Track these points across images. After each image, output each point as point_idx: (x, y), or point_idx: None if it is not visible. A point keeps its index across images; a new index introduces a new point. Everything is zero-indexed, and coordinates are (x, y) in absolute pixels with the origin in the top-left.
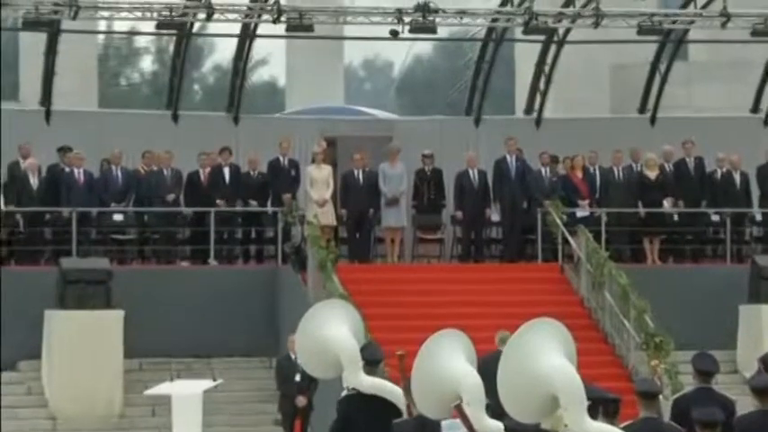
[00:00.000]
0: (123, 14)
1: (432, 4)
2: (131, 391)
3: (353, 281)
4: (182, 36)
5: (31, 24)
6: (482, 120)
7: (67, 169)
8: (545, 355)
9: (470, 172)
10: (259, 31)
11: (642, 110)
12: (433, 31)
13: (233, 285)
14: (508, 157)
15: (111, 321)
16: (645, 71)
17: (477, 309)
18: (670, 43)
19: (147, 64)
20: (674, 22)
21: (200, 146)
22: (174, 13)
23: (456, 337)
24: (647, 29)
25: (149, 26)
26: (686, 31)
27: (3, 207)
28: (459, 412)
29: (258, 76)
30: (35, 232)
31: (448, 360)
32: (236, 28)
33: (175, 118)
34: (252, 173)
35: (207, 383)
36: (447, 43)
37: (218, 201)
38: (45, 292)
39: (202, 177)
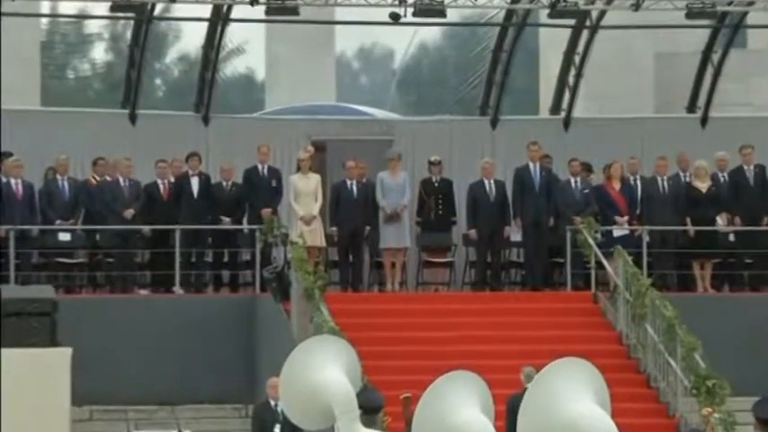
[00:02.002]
0: None
1: None
2: None
3: (346, 312)
4: (141, 20)
5: None
6: (500, 120)
7: (4, 179)
8: (572, 401)
9: (486, 183)
10: (233, 15)
11: (691, 108)
12: (442, 14)
13: (202, 318)
14: (531, 164)
15: (56, 361)
16: (695, 62)
17: (493, 346)
18: (725, 29)
19: (99, 53)
20: (729, 4)
21: (162, 151)
22: None
23: (468, 379)
24: (697, 12)
25: (102, 8)
26: (744, 15)
27: None
28: None
29: (233, 68)
30: None
31: (459, 408)
32: (205, 11)
33: (133, 118)
34: (224, 184)
35: None
36: (458, 29)
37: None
38: None
39: (162, 190)
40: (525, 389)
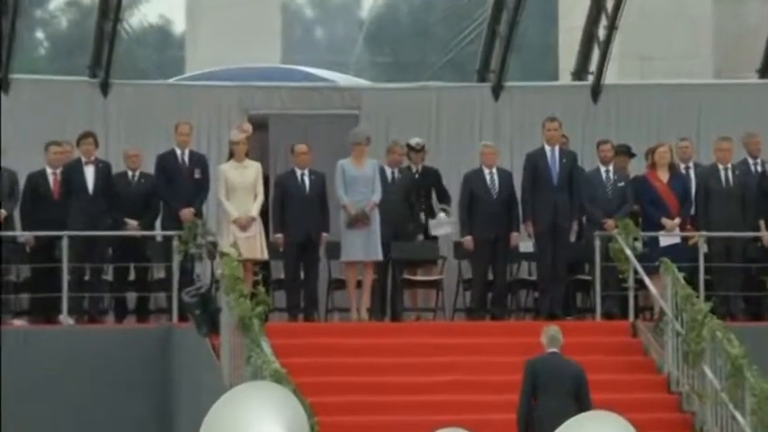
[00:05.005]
0: None
1: None
2: None
3: (296, 349)
4: None
5: None
6: (505, 88)
7: None
8: None
9: (486, 173)
10: None
11: (764, 72)
12: None
13: (99, 357)
14: (548, 148)
15: None
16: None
17: (496, 394)
18: None
19: None
20: None
21: (47, 130)
22: None
23: None
24: None
25: None
26: None
27: None
28: None
29: (141, 17)
30: None
31: None
32: None
33: (6, 85)
34: (130, 175)
35: None
36: None
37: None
38: None
39: (52, 182)
40: (548, 352)
